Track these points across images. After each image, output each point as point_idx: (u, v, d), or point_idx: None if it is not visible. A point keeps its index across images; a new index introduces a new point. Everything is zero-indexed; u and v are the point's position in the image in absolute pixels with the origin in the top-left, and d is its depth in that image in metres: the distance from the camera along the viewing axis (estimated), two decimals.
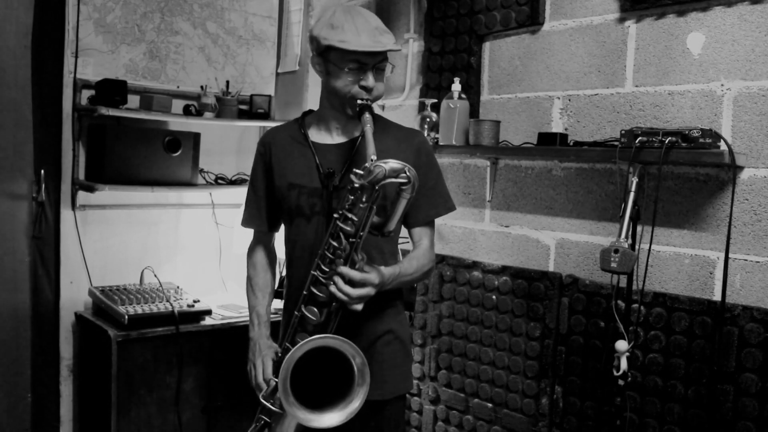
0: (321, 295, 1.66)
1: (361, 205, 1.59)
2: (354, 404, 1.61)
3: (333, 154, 1.80)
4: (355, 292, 1.61)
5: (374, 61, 1.70)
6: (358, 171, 1.57)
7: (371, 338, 1.82)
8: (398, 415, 1.91)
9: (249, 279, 1.96)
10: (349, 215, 1.61)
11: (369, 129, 1.63)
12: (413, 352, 2.83)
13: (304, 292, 1.69)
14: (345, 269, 1.61)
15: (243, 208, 1.99)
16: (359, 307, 1.64)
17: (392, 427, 1.88)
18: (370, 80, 1.70)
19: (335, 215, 1.64)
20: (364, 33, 1.67)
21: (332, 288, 1.62)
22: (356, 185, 1.58)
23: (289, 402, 1.58)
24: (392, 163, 1.56)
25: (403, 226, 1.90)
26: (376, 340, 1.83)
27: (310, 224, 1.80)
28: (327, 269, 1.65)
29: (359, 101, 1.69)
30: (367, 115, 1.66)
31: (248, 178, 3.17)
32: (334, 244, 1.63)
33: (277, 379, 1.66)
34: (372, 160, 1.56)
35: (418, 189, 1.69)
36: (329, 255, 1.65)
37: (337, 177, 1.76)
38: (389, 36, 1.73)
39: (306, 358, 1.59)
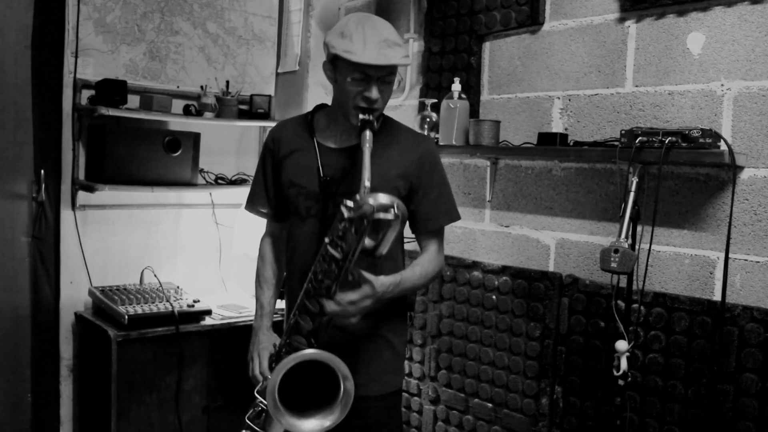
0: (313, 308, 1.68)
1: (350, 235, 1.57)
2: (332, 417, 1.65)
3: (334, 159, 1.82)
4: (354, 308, 1.63)
5: (379, 74, 1.69)
6: (348, 203, 1.55)
7: (357, 336, 1.81)
8: (381, 414, 1.90)
9: (257, 270, 2.00)
10: (339, 242, 1.59)
11: (367, 150, 1.61)
12: (413, 352, 2.83)
13: (297, 302, 1.72)
14: (342, 296, 1.62)
15: (248, 192, 2.01)
16: (355, 320, 1.66)
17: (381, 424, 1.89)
18: (373, 93, 1.69)
19: (326, 239, 1.62)
20: (370, 45, 1.65)
21: (327, 308, 1.64)
22: (346, 217, 1.56)
23: (276, 407, 1.63)
24: (381, 199, 1.55)
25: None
26: (363, 338, 1.83)
27: (305, 225, 1.83)
28: (317, 286, 1.65)
29: (361, 117, 1.68)
30: (367, 134, 1.65)
31: (248, 179, 3.19)
32: (324, 266, 1.63)
33: (269, 377, 1.72)
34: (366, 187, 1.55)
35: (422, 198, 1.76)
36: (320, 276, 1.65)
37: (334, 185, 1.78)
38: (398, 49, 1.70)
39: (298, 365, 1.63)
